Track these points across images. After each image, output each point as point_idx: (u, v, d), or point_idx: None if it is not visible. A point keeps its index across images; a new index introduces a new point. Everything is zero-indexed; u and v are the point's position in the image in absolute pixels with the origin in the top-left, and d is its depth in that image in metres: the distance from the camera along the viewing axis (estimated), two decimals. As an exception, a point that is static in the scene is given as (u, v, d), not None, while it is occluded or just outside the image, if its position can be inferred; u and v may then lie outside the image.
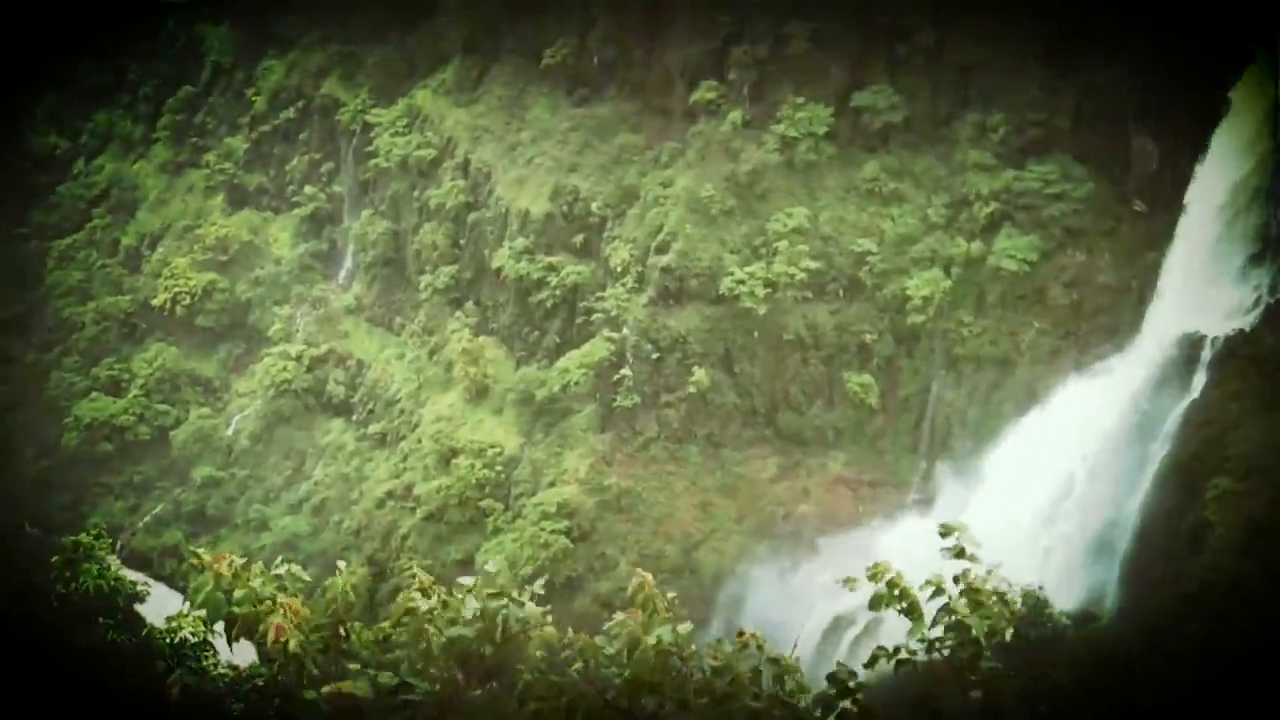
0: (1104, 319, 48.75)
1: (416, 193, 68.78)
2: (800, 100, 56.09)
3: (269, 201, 77.94)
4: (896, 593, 8.77)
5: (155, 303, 76.70)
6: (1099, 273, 49.13)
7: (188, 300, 75.54)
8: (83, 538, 17.47)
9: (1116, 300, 48.56)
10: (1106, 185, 49.63)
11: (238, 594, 7.89)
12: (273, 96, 77.03)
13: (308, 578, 8.80)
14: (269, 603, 7.84)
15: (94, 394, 75.64)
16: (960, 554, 9.39)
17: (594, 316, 59.59)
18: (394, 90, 71.51)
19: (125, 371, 76.53)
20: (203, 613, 8.29)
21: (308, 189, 74.78)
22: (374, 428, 68.84)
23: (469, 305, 66.50)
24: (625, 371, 57.24)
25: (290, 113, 75.98)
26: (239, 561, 7.94)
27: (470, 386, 64.32)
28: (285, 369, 71.39)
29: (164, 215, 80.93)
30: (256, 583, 7.73)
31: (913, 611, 8.62)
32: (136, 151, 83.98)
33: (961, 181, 52.68)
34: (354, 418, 70.41)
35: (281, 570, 8.13)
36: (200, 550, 7.96)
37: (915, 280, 52.36)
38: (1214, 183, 44.58)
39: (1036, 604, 41.14)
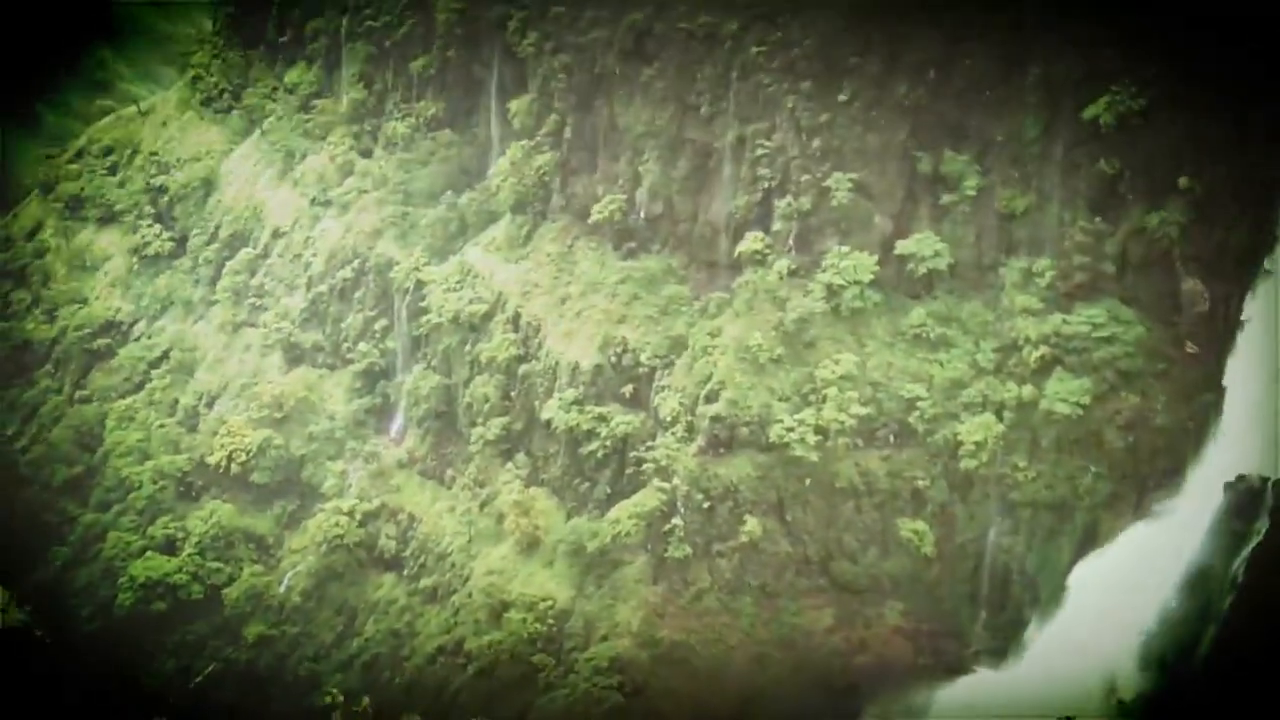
0: (1162, 462, 48.35)
1: (468, 347, 70.39)
2: (845, 249, 57.07)
3: (324, 359, 79.54)
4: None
5: (211, 461, 78.13)
6: (1155, 415, 48.63)
7: (243, 458, 76.94)
8: None
9: (1174, 443, 48.06)
10: (1158, 328, 49.59)
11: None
12: (330, 257, 79.64)
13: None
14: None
15: (149, 553, 76.16)
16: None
17: (644, 466, 59.77)
18: (446, 248, 74.25)
19: (180, 530, 77.28)
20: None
21: (362, 346, 77.06)
22: (425, 582, 69.04)
23: (520, 457, 67.40)
24: (676, 521, 57.22)
25: (347, 272, 78.49)
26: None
27: (521, 539, 64.72)
28: (338, 524, 71.96)
29: (222, 374, 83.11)
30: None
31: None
32: (197, 313, 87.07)
33: (1010, 326, 52.81)
34: (405, 572, 70.60)
35: None
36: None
37: (967, 425, 52.24)
38: (1266, 322, 44.77)
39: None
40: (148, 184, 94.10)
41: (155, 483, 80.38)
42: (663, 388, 61.37)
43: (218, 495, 78.47)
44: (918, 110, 56.18)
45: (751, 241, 60.58)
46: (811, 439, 54.65)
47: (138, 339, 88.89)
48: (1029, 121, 52.97)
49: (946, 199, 55.75)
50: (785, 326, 57.73)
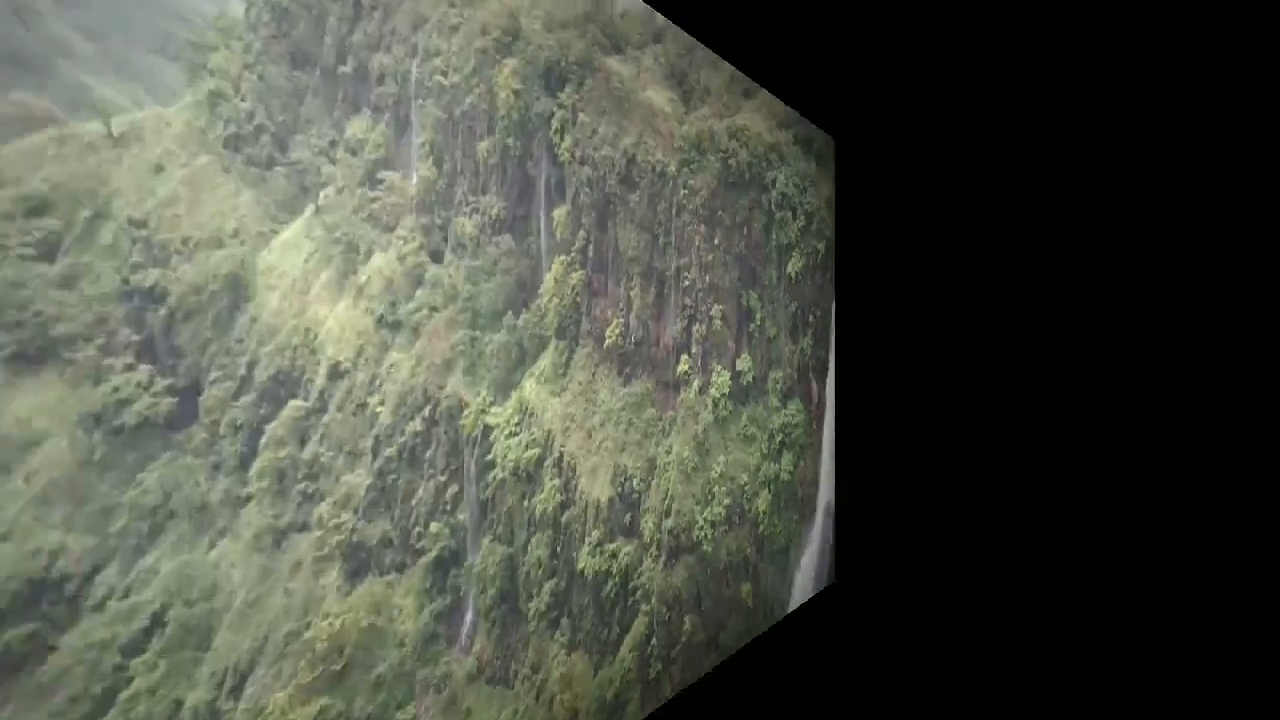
0: (813, 503, 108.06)
1: (525, 501, 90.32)
2: (720, 368, 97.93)
3: (392, 557, 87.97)
4: None
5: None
6: (809, 473, 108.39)
7: (288, 752, 76.65)
8: None
9: (815, 491, 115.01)
10: (809, 414, 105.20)
11: None
12: (399, 403, 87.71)
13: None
14: None
15: None
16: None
17: (637, 594, 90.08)
18: (508, 381, 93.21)
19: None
20: None
21: (434, 526, 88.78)
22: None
23: (564, 622, 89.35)
24: (654, 641, 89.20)
25: (417, 424, 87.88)
26: None
27: (565, 717, 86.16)
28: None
29: (257, 626, 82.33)
30: None
31: None
32: (216, 527, 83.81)
33: (770, 420, 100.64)
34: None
35: None
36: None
37: (760, 500, 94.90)
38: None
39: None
40: (125, 280, 75.62)
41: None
42: (646, 511, 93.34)
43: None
44: (741, 259, 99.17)
45: (683, 363, 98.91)
46: (710, 533, 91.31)
47: (97, 607, 72.80)
48: (771, 273, 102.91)
49: (751, 327, 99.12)
50: (699, 438, 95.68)
